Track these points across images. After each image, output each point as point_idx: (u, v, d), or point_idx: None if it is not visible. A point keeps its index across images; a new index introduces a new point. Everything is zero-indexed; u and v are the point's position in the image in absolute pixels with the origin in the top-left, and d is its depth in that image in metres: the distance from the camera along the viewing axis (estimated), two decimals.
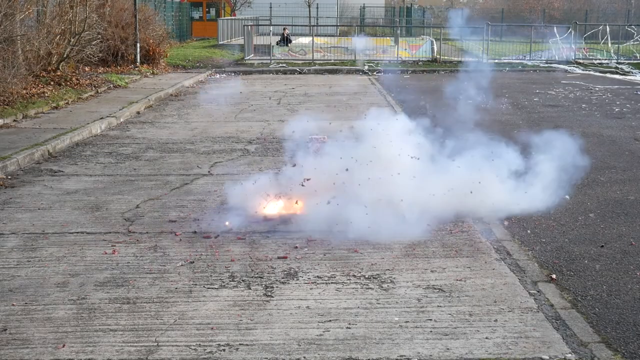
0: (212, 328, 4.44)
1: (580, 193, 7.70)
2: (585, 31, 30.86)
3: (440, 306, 4.79)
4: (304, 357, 4.08)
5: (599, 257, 5.81)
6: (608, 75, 22.97)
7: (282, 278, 5.26)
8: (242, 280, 5.21)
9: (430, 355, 4.11)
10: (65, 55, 16.18)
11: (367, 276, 5.30)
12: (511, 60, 26.72)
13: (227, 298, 4.90)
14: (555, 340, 4.32)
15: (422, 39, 29.71)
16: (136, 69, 20.42)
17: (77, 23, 16.47)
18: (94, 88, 15.97)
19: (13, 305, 4.77)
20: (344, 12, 48.74)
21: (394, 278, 5.28)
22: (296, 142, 10.72)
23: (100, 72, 18.36)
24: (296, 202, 6.78)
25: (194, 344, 4.24)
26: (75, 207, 7.17)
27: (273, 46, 26.82)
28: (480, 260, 5.66)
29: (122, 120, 12.82)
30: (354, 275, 5.32)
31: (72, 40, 16.37)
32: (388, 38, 32.08)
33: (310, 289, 5.07)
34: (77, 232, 6.34)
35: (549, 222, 6.71)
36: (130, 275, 5.32)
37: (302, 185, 6.79)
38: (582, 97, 16.48)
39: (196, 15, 38.90)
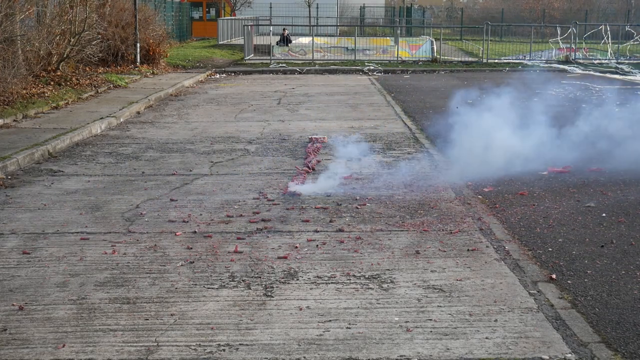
0: (212, 328, 4.44)
1: None
2: (585, 31, 30.86)
3: (440, 306, 4.79)
4: (304, 357, 4.08)
5: (599, 257, 5.80)
6: (608, 75, 22.98)
7: (282, 278, 5.26)
8: (242, 280, 5.21)
9: (430, 355, 4.11)
10: (65, 55, 16.18)
11: (367, 276, 5.30)
12: (511, 61, 26.73)
13: (227, 298, 4.90)
14: (555, 340, 4.32)
15: (422, 39, 29.72)
16: (136, 69, 20.42)
17: (77, 23, 16.47)
18: (94, 88, 15.98)
19: (13, 305, 4.77)
20: (344, 12, 48.76)
21: (394, 278, 5.28)
22: (296, 142, 10.74)
23: (100, 72, 18.36)
24: None
25: (194, 344, 4.24)
26: (75, 207, 7.17)
27: (273, 46, 26.83)
28: (480, 260, 5.66)
29: (122, 120, 12.82)
30: (354, 275, 5.32)
31: (72, 40, 16.38)
32: (388, 38, 32.11)
33: (310, 289, 5.07)
34: (77, 232, 6.34)
35: (549, 222, 6.72)
36: (130, 275, 5.32)
37: None
38: (582, 96, 16.48)
39: (196, 15, 38.90)
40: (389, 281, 5.21)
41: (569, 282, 5.27)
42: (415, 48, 27.95)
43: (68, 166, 9.07)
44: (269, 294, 4.97)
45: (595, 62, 26.59)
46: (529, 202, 7.41)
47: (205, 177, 8.48)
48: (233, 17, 37.57)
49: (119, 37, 20.29)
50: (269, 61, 25.15)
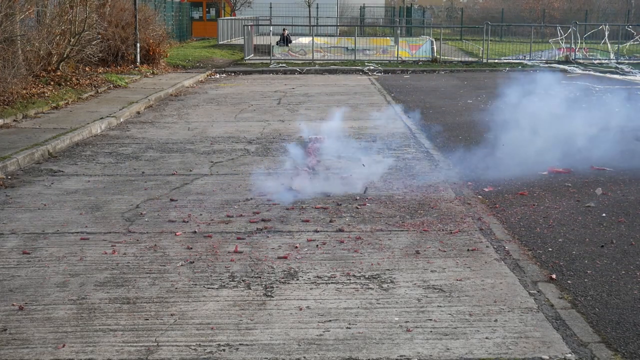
0: (212, 328, 4.44)
1: None
2: (585, 31, 30.86)
3: (440, 306, 4.79)
4: (304, 357, 4.08)
5: (599, 257, 5.80)
6: (608, 75, 22.97)
7: (282, 278, 5.26)
8: (242, 280, 5.21)
9: (430, 355, 4.11)
10: (65, 55, 16.18)
11: (367, 276, 5.30)
12: (511, 61, 26.73)
13: (227, 298, 4.90)
14: (555, 340, 4.32)
15: (422, 39, 29.72)
16: (136, 69, 20.42)
17: (77, 23, 16.47)
18: (94, 88, 15.98)
19: (13, 305, 4.77)
20: (344, 12, 48.75)
21: (394, 278, 5.28)
22: (296, 142, 10.73)
23: (100, 72, 18.36)
24: None
25: (194, 344, 4.24)
26: (75, 207, 7.17)
27: (273, 46, 26.83)
28: (480, 260, 5.66)
29: (122, 120, 12.83)
30: (354, 275, 5.32)
31: (72, 40, 16.38)
32: (388, 38, 32.11)
33: (310, 289, 5.07)
34: (77, 232, 6.34)
35: (549, 222, 6.72)
36: (130, 275, 5.32)
37: None
38: (582, 97, 16.48)
39: (196, 15, 38.90)
40: (389, 281, 5.21)
41: (569, 282, 5.27)
42: (415, 48, 27.95)
43: (68, 166, 9.07)
44: (269, 294, 4.97)
45: (595, 62, 26.59)
46: (529, 202, 7.41)
47: (205, 177, 8.48)
48: (233, 17, 37.57)
49: (119, 37, 20.29)
50: (269, 61, 25.15)
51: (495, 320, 4.57)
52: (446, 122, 12.45)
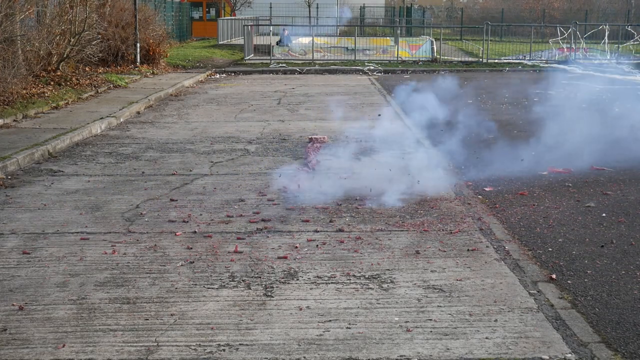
0: (212, 328, 4.44)
1: None
2: (585, 31, 30.86)
3: (440, 306, 4.79)
4: (304, 357, 4.08)
5: (599, 257, 5.81)
6: (608, 75, 22.96)
7: (282, 278, 5.26)
8: (242, 280, 5.21)
9: (430, 355, 4.11)
10: (65, 55, 16.18)
11: (367, 276, 5.30)
12: (511, 61, 26.73)
13: (227, 298, 4.90)
14: (555, 340, 4.32)
15: (422, 39, 29.72)
16: (136, 69, 20.42)
17: (77, 23, 16.47)
18: (94, 88, 15.98)
19: (13, 305, 4.77)
20: (344, 12, 48.72)
21: (394, 278, 5.28)
22: (296, 142, 10.75)
23: (100, 72, 18.36)
24: None
25: (194, 344, 4.24)
26: (75, 207, 7.17)
27: (273, 46, 26.82)
28: (480, 260, 5.66)
29: (122, 120, 12.83)
30: (354, 275, 5.32)
31: (72, 40, 16.38)
32: (388, 38, 32.11)
33: (310, 289, 5.07)
34: (77, 232, 6.34)
35: (549, 222, 6.72)
36: (130, 275, 5.32)
37: None
38: (582, 97, 16.48)
39: (196, 15, 38.90)
40: (389, 281, 5.21)
41: (569, 282, 5.27)
42: (415, 48, 27.95)
43: (68, 166, 9.07)
44: (269, 294, 4.97)
45: (595, 62, 26.58)
46: (529, 202, 7.42)
47: (205, 177, 8.48)
48: (233, 17, 37.57)
49: (119, 37, 20.29)
50: (269, 61, 25.15)
51: (495, 320, 4.57)
52: (446, 122, 12.44)
